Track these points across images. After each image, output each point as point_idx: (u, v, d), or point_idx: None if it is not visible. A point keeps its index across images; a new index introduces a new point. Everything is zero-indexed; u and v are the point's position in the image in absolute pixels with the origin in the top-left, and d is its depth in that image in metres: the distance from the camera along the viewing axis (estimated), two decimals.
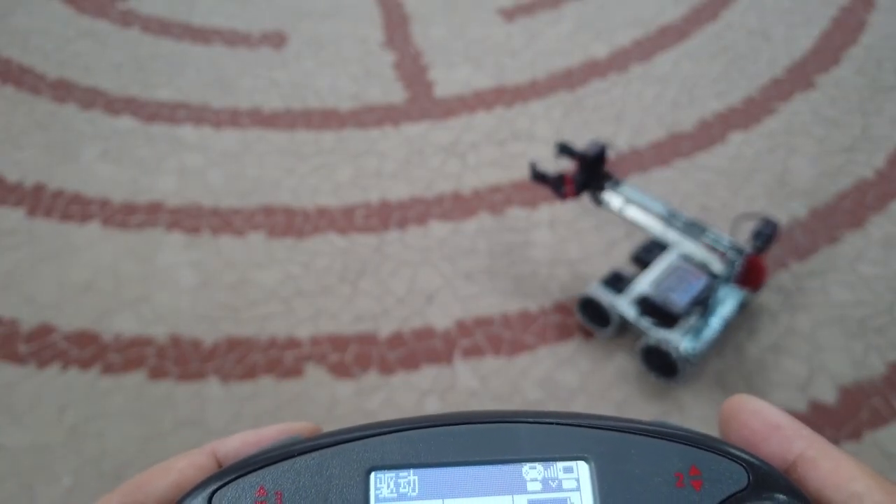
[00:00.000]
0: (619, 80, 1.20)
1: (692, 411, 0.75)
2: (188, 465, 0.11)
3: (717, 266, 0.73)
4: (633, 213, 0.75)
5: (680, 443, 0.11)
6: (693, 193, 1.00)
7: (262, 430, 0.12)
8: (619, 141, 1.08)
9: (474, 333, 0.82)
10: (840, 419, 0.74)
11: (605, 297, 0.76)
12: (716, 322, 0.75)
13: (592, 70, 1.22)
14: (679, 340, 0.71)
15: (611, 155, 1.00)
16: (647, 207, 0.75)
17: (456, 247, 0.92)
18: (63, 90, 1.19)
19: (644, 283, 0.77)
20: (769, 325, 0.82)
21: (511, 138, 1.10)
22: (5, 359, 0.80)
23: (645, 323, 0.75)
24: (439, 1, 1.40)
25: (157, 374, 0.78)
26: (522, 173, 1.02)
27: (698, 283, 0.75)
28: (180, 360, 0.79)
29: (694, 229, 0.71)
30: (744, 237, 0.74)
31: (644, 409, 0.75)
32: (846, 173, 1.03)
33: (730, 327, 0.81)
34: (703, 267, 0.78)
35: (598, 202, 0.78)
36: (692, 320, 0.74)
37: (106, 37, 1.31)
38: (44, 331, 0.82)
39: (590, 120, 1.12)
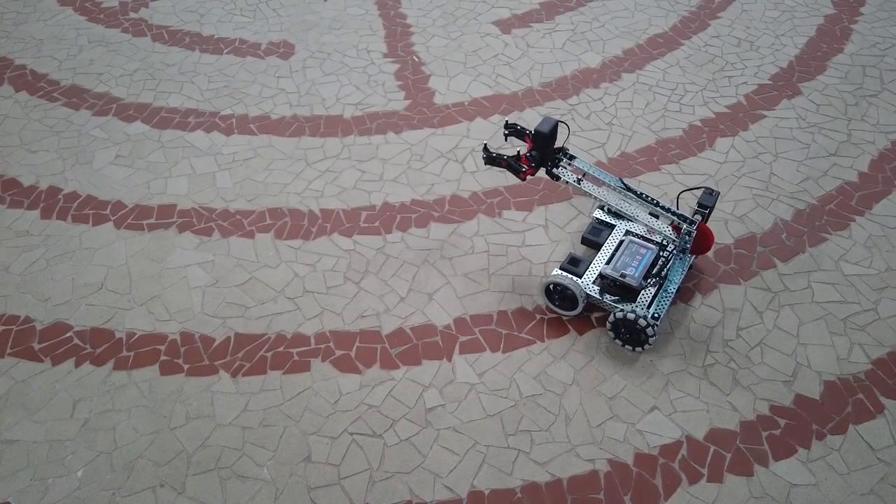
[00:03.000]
0: (610, 88, 1.24)
1: (682, 406, 0.78)
2: None
3: (666, 232, 0.77)
4: (589, 187, 0.78)
5: None
6: (683, 197, 1.03)
7: None
8: (611, 146, 1.12)
9: (473, 330, 0.85)
10: (825, 413, 0.77)
11: (569, 281, 0.80)
12: (672, 287, 0.81)
13: (585, 79, 1.26)
14: (644, 311, 0.77)
15: (564, 131, 1.01)
16: (602, 180, 0.79)
17: (455, 248, 0.95)
18: (76, 97, 1.23)
19: (600, 263, 0.83)
20: (756, 323, 0.86)
21: (508, 144, 1.14)
22: (20, 356, 0.83)
23: (609, 300, 0.80)
24: (439, 13, 1.44)
25: (168, 369, 0.81)
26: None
27: (648, 255, 0.81)
28: (191, 356, 0.83)
29: (646, 200, 0.76)
30: (685, 210, 0.79)
31: (635, 404, 0.78)
32: (831, 177, 1.07)
33: (718, 324, 0.85)
34: (648, 239, 0.84)
35: (556, 178, 0.81)
36: (650, 290, 0.79)
37: (118, 45, 1.35)
38: (58, 329, 0.85)
39: (583, 126, 1.16)
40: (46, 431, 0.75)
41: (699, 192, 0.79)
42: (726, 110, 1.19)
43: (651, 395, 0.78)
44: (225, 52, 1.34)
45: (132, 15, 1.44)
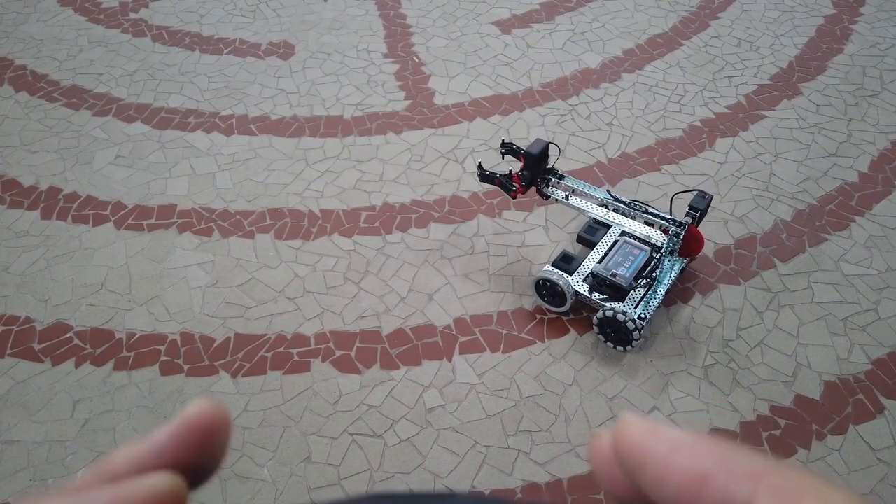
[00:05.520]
0: (610, 88, 1.24)
1: (682, 406, 0.78)
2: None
3: (657, 238, 0.77)
4: (577, 202, 0.80)
5: None
6: (682, 197, 1.04)
7: (154, 439, 0.09)
8: (611, 147, 1.13)
9: (473, 331, 0.85)
10: (825, 414, 0.77)
11: (558, 277, 0.81)
12: (661, 289, 0.81)
13: (585, 79, 1.26)
14: (631, 311, 0.78)
15: (555, 152, 1.02)
16: (590, 195, 0.79)
17: (455, 248, 0.95)
18: (76, 97, 1.24)
19: (592, 262, 0.84)
20: (756, 323, 0.86)
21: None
22: (21, 356, 0.83)
23: (597, 298, 0.80)
24: (439, 14, 1.44)
25: (168, 370, 0.81)
26: None
27: (641, 256, 0.81)
28: (191, 356, 0.83)
29: (635, 210, 0.76)
30: (679, 213, 0.80)
31: (635, 404, 0.78)
32: (831, 177, 1.07)
33: (718, 324, 0.85)
34: (643, 241, 0.84)
35: (546, 196, 0.82)
36: (640, 291, 0.80)
37: (118, 45, 1.36)
38: (58, 329, 0.85)
39: (583, 127, 1.17)
40: (46, 432, 0.75)
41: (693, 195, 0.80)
42: (726, 111, 1.20)
43: (651, 396, 0.78)
44: (225, 52, 1.34)
45: (132, 15, 1.45)
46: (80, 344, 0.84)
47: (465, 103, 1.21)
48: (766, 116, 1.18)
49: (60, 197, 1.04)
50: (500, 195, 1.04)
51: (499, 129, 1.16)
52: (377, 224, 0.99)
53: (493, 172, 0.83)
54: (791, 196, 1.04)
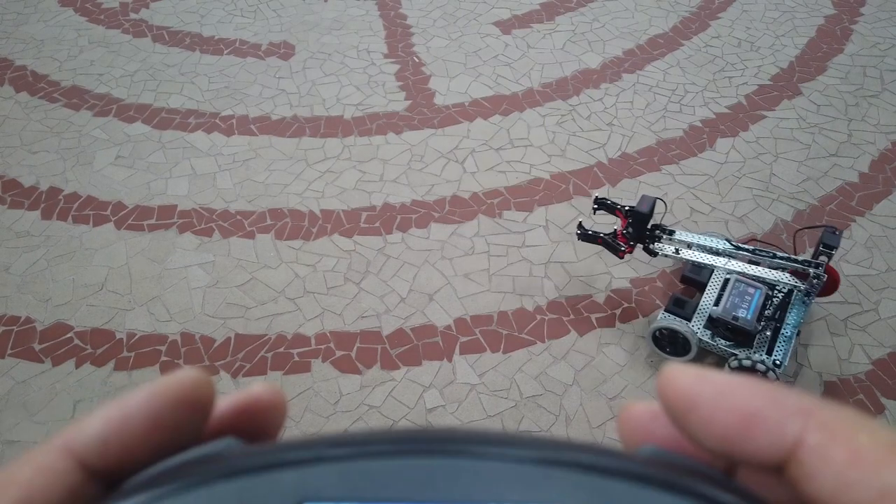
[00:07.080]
0: (611, 88, 1.24)
1: None
2: (34, 473, 0.08)
3: (786, 280, 0.72)
4: (690, 254, 0.74)
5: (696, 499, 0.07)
6: (682, 197, 1.04)
7: (127, 401, 0.09)
8: (611, 147, 1.13)
9: (473, 331, 0.85)
10: None
11: (679, 324, 0.74)
12: (789, 331, 0.74)
13: (585, 79, 1.26)
14: (768, 359, 0.71)
15: (661, 208, 0.90)
16: (706, 247, 0.74)
17: (455, 248, 0.96)
18: (77, 97, 1.24)
19: (708, 305, 0.76)
20: None
21: (508, 145, 1.14)
22: (21, 356, 0.83)
23: (723, 345, 0.74)
24: (439, 14, 1.45)
25: (169, 370, 0.81)
26: (518, 178, 1.07)
27: (757, 295, 0.74)
28: (191, 357, 0.83)
29: (762, 256, 0.71)
30: (789, 247, 0.77)
31: None
32: (831, 177, 1.07)
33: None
34: (756, 277, 0.75)
35: (653, 254, 0.77)
36: (766, 333, 0.73)
37: (119, 46, 1.36)
38: (58, 329, 0.86)
39: (583, 127, 1.17)
40: (47, 432, 0.75)
41: (816, 230, 0.75)
42: (726, 111, 1.20)
43: (652, 396, 0.78)
44: (225, 52, 1.34)
45: (132, 16, 1.45)
46: (81, 344, 0.84)
47: (466, 103, 1.21)
48: (766, 116, 1.18)
49: (61, 197, 1.05)
50: (501, 195, 1.04)
51: (499, 129, 1.17)
52: (377, 224, 0.99)
53: (595, 232, 0.79)
54: (791, 196, 1.04)
